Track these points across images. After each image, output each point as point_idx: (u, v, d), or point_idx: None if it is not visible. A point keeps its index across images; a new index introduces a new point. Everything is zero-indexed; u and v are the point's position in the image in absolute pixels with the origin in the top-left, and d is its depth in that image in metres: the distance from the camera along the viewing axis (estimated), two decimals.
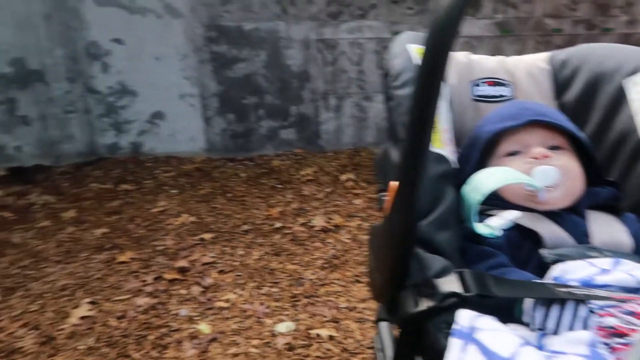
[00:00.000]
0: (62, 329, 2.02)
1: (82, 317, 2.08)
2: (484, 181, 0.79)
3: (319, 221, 2.83)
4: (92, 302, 2.18)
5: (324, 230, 2.76)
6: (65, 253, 2.58)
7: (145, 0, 3.33)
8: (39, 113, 3.50)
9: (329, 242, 2.65)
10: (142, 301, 2.18)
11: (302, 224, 2.82)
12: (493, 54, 1.14)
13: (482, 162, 0.92)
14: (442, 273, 0.66)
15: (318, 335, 1.96)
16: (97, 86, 3.51)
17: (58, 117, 3.53)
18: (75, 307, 2.15)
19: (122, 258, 2.51)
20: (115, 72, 3.48)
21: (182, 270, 2.39)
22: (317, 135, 3.81)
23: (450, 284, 0.62)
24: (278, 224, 2.82)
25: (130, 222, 2.88)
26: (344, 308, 2.13)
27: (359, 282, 2.31)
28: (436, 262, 0.70)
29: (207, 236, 2.70)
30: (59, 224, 2.87)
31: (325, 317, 2.07)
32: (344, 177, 3.40)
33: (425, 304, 0.61)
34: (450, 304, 0.60)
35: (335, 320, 2.05)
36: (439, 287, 0.62)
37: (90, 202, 3.12)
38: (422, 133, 0.55)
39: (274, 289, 2.26)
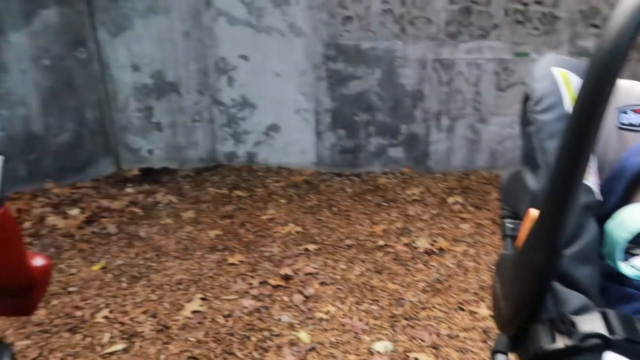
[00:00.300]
0: (176, 320, 2.19)
1: (194, 312, 2.24)
2: (633, 218, 0.73)
3: (423, 243, 2.78)
4: (203, 298, 2.34)
5: (428, 252, 2.70)
6: (183, 250, 2.80)
7: (271, 20, 3.54)
8: (170, 121, 3.86)
9: (433, 265, 2.58)
10: (248, 303, 2.29)
11: (406, 244, 2.79)
12: (632, 79, 1.05)
13: (627, 196, 0.85)
14: (582, 310, 0.62)
15: (416, 359, 1.92)
16: (222, 98, 3.78)
17: (186, 125, 3.87)
18: (189, 301, 2.32)
19: (232, 260, 2.66)
20: (238, 86, 3.73)
21: (286, 278, 2.48)
22: (426, 156, 3.75)
23: (592, 323, 0.58)
24: (381, 242, 2.81)
25: (241, 227, 3.05)
26: (445, 335, 2.06)
27: (462, 309, 2.22)
28: (575, 298, 0.66)
29: (311, 247, 2.77)
30: (179, 222, 3.12)
31: (424, 341, 2.02)
32: (451, 199, 3.31)
33: (562, 342, 0.58)
34: (592, 345, 0.56)
35: (434, 347, 1.99)
36: (579, 326, 0.58)
37: (207, 205, 3.35)
38: (579, 162, 0.53)
39: (373, 307, 2.26)
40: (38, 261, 1.63)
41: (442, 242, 2.78)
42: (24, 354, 1.97)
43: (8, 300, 1.56)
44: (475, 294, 2.33)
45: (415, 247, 2.75)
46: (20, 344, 2.03)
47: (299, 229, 2.99)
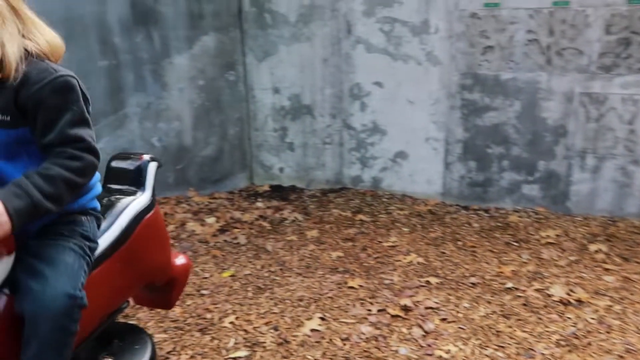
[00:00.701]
0: (295, 336, 2.24)
1: (313, 330, 2.28)
2: None
3: (558, 291, 2.54)
4: (322, 318, 2.37)
5: (564, 302, 2.46)
6: (305, 268, 2.88)
7: (409, 48, 3.56)
8: (302, 141, 4.03)
9: (569, 318, 2.35)
10: (366, 329, 2.28)
11: (538, 290, 2.58)
12: None
13: None
14: None
15: None
16: (353, 123, 3.87)
17: (317, 146, 4.01)
18: (309, 318, 2.36)
19: (352, 283, 2.68)
20: (370, 112, 3.79)
21: (406, 309, 2.42)
22: (566, 196, 3.46)
23: None
24: (510, 284, 2.63)
25: (363, 251, 3.05)
26: None
27: None
28: None
29: (433, 280, 2.69)
30: (303, 240, 3.22)
31: None
32: (593, 247, 3.00)
33: None
34: None
35: None
36: None
37: (330, 226, 3.42)
38: None
39: (499, 353, 2.11)
40: (180, 260, 1.79)
41: (580, 293, 2.53)
42: (160, 346, 2.16)
43: (153, 293, 1.73)
44: (621, 357, 2.07)
45: (549, 295, 2.53)
46: (158, 336, 2.23)
47: (421, 259, 2.92)
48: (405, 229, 3.35)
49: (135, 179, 1.58)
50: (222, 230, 3.35)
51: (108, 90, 3.39)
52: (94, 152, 1.15)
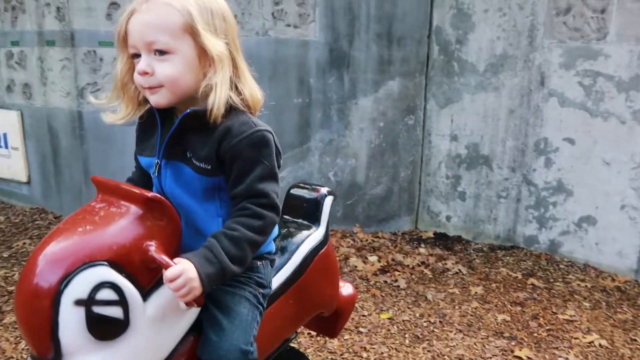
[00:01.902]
0: None
1: None
2: None
3: None
4: None
5: None
6: (467, 325, 2.72)
7: (612, 105, 3.24)
8: (475, 192, 3.88)
9: None
10: None
11: None
12: None
13: None
14: None
15: None
16: (534, 179, 3.61)
17: (490, 199, 3.82)
18: None
19: (519, 353, 2.45)
20: (556, 169, 3.50)
21: None
22: None
23: None
24: None
25: (533, 320, 2.79)
26: None
27: None
28: None
29: None
30: (466, 295, 3.06)
31: None
32: None
33: None
34: None
35: None
36: None
37: (497, 285, 3.20)
38: None
39: None
40: (347, 289, 1.82)
41: None
42: None
43: (320, 320, 1.79)
44: None
45: None
46: None
47: (604, 342, 2.56)
48: (586, 304, 2.98)
49: (311, 212, 1.62)
50: (383, 271, 3.35)
51: (297, 125, 3.70)
52: (275, 209, 1.17)
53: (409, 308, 2.88)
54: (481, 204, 3.86)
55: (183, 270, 1.02)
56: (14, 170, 3.81)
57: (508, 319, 2.79)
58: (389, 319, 2.76)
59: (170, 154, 1.18)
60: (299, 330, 2.41)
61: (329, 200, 1.65)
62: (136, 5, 1.11)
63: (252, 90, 1.17)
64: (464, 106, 3.81)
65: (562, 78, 3.40)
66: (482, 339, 2.58)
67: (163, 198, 1.08)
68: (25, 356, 2.22)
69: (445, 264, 3.51)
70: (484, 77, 3.70)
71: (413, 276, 3.30)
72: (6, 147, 3.81)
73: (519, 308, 2.92)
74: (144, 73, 1.10)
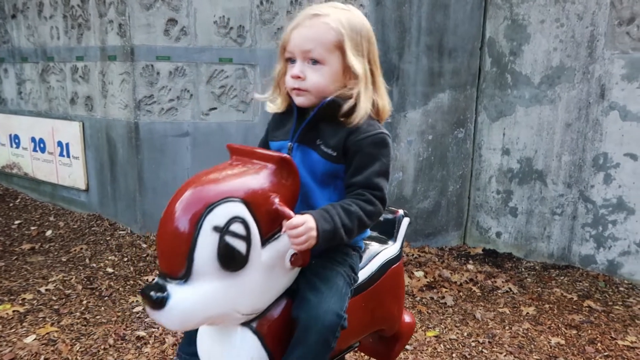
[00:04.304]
0: None
1: None
2: None
3: None
4: None
5: None
6: (518, 347, 2.62)
7: None
8: (527, 208, 3.75)
9: None
10: None
11: None
12: None
13: None
14: None
15: None
16: (592, 196, 3.45)
17: (544, 216, 3.68)
18: None
19: None
20: (616, 186, 3.33)
21: None
22: None
23: None
24: None
25: (590, 345, 2.64)
26: None
27: None
28: None
29: None
30: (517, 315, 2.95)
31: None
32: None
33: None
34: None
35: None
36: None
37: (550, 306, 3.06)
38: None
39: None
40: (407, 317, 1.80)
41: None
42: None
43: (378, 344, 1.77)
44: None
45: None
46: None
47: None
48: None
49: (388, 230, 1.69)
50: (429, 287, 3.28)
51: None
52: (384, 203, 1.30)
53: (456, 326, 2.80)
54: (534, 220, 3.72)
55: (305, 220, 1.15)
56: (74, 178, 4.01)
57: (562, 342, 2.66)
58: (435, 336, 2.69)
59: (304, 139, 1.33)
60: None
61: (405, 222, 1.72)
62: (300, 21, 1.31)
63: (385, 103, 1.36)
64: (517, 119, 3.70)
65: (624, 90, 3.25)
66: None
67: (292, 160, 1.22)
68: (79, 358, 2.32)
69: (495, 281, 3.40)
70: (539, 89, 3.58)
71: (461, 293, 3.22)
72: (68, 156, 4.02)
73: (574, 331, 2.78)
74: (297, 77, 1.29)
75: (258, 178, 1.19)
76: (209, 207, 1.08)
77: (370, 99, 1.30)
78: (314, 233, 1.15)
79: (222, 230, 1.08)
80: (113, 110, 3.56)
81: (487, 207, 3.95)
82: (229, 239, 1.08)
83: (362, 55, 1.30)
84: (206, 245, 1.07)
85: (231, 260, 1.10)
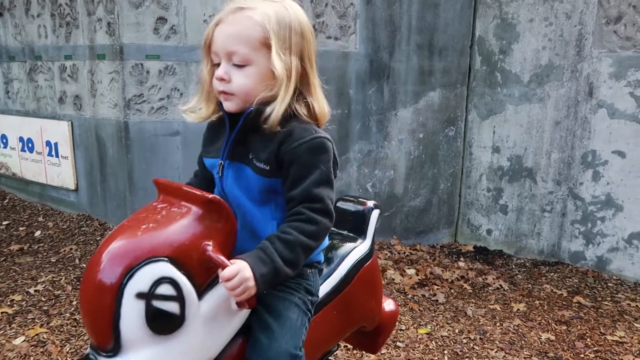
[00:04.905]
0: None
1: None
2: None
3: None
4: None
5: None
6: (509, 343, 2.63)
7: None
8: (517, 205, 3.78)
9: None
10: None
11: None
12: None
13: None
14: None
15: None
16: (581, 193, 3.49)
17: (533, 213, 3.71)
18: None
19: None
20: (605, 183, 3.37)
21: None
22: None
23: None
24: None
25: (580, 340, 2.67)
26: None
27: None
28: None
29: None
30: (508, 312, 2.97)
31: None
32: None
33: None
34: None
35: None
36: None
37: (541, 303, 3.09)
38: None
39: None
40: (389, 305, 1.79)
41: None
42: None
43: (361, 335, 1.77)
44: None
45: None
46: None
47: None
48: (638, 325, 2.84)
49: (358, 225, 1.62)
50: (421, 284, 3.30)
51: (336, 136, 3.71)
52: (329, 215, 1.18)
53: (448, 323, 2.82)
54: (524, 217, 3.75)
55: (239, 270, 1.05)
56: (63, 178, 3.97)
57: (553, 338, 2.69)
58: (427, 334, 2.70)
59: (234, 155, 1.22)
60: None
61: (375, 214, 1.64)
62: (223, 16, 1.18)
63: (321, 105, 1.23)
64: (507, 117, 3.72)
65: (612, 89, 3.28)
66: (524, 358, 2.50)
67: (222, 200, 1.12)
68: (70, 359, 2.30)
69: (486, 279, 3.42)
70: (528, 87, 3.61)
71: (452, 290, 3.23)
72: (57, 155, 3.98)
73: (564, 327, 2.81)
74: (221, 79, 1.17)
75: (186, 226, 1.08)
76: (129, 273, 0.99)
77: (288, 100, 1.16)
78: (251, 283, 1.06)
79: (148, 296, 0.99)
80: (102, 110, 3.53)
81: (477, 205, 3.97)
82: (157, 304, 1.00)
83: (291, 53, 1.17)
84: (131, 314, 0.99)
85: (164, 324, 1.02)
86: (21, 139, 4.30)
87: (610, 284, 3.35)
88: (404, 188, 3.91)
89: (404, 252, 3.79)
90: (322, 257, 1.39)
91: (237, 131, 1.20)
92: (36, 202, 4.32)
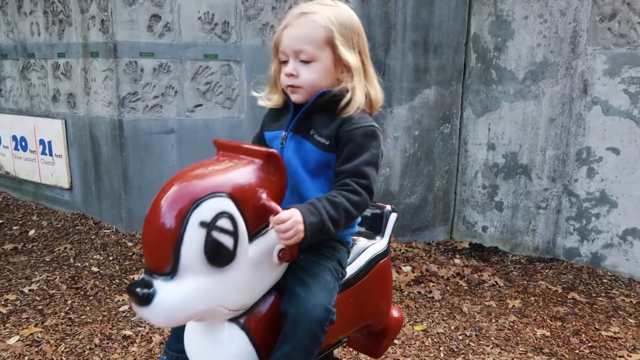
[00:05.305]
0: None
1: None
2: None
3: None
4: None
5: None
6: (504, 339, 2.64)
7: None
8: (513, 202, 3.79)
9: None
10: None
11: None
12: None
13: None
14: None
15: None
16: (576, 189, 3.50)
17: (529, 210, 3.72)
18: None
19: None
20: (599, 180, 3.38)
21: None
22: None
23: None
24: None
25: (575, 336, 2.68)
26: None
27: None
28: None
29: None
30: (503, 309, 2.98)
31: None
32: None
33: None
34: None
35: None
36: None
37: (536, 299, 3.10)
38: None
39: None
40: (395, 312, 1.80)
41: None
42: None
43: (366, 339, 1.77)
44: None
45: None
46: None
47: None
48: (632, 321, 2.85)
49: (376, 225, 1.68)
50: (416, 281, 3.30)
51: None
52: (371, 192, 1.30)
53: (443, 320, 2.83)
54: (519, 214, 3.76)
55: (292, 214, 1.15)
56: (57, 176, 3.95)
57: (548, 334, 2.70)
58: (423, 330, 2.71)
59: (298, 129, 1.36)
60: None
61: (393, 217, 1.71)
62: (290, 21, 1.34)
63: (377, 92, 1.39)
64: (502, 115, 3.73)
65: (607, 85, 3.29)
66: (520, 354, 2.51)
67: (279, 155, 1.22)
68: (64, 358, 2.29)
69: (481, 275, 3.43)
70: (523, 84, 3.62)
71: (448, 287, 3.24)
72: (50, 154, 3.96)
73: (559, 323, 2.82)
74: (290, 75, 1.33)
75: (245, 173, 1.18)
76: (195, 203, 1.07)
77: (364, 90, 1.33)
78: (301, 227, 1.15)
79: (209, 226, 1.07)
80: (96, 108, 3.51)
81: (473, 202, 3.98)
82: (216, 235, 1.08)
83: (353, 48, 1.33)
84: (193, 240, 1.06)
85: (218, 255, 1.09)
86: (14, 138, 4.27)
87: (604, 280, 3.36)
88: (400, 185, 3.91)
89: (400, 250, 3.79)
90: (350, 240, 1.48)
91: (306, 109, 1.34)
92: (30, 201, 4.30)
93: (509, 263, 3.70)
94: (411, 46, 3.69)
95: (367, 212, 1.69)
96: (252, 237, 1.16)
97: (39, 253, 3.40)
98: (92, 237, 3.53)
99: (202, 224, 1.07)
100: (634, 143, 3.22)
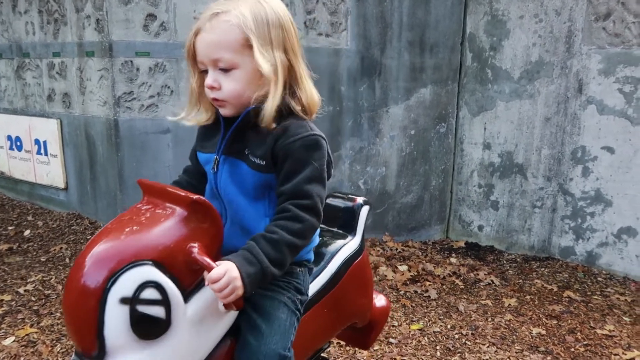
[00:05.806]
0: None
1: None
2: None
3: None
4: None
5: None
6: (500, 338, 2.65)
7: None
8: (508, 201, 3.80)
9: None
10: None
11: None
12: None
13: None
14: None
15: None
16: (571, 188, 3.52)
17: (524, 209, 3.74)
18: None
19: None
20: (594, 179, 3.40)
21: None
22: None
23: None
24: None
25: (570, 334, 2.70)
26: None
27: None
28: None
29: None
30: (499, 307, 2.99)
31: None
32: None
33: None
34: None
35: None
36: None
37: (531, 298, 3.11)
38: None
39: None
40: (380, 301, 1.79)
41: None
42: None
43: (353, 332, 1.77)
44: None
45: None
46: None
47: None
48: (627, 319, 2.87)
49: (347, 221, 1.60)
50: (413, 280, 3.31)
51: (328, 133, 3.70)
52: (316, 213, 1.17)
53: (440, 319, 2.83)
54: (515, 213, 3.78)
55: (226, 271, 1.04)
56: (53, 176, 3.93)
57: (543, 332, 2.71)
58: (419, 330, 2.71)
59: (230, 150, 1.22)
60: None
61: (365, 210, 1.63)
62: (201, 25, 1.17)
63: (310, 95, 1.21)
64: (498, 114, 3.74)
65: (601, 85, 3.31)
66: (516, 352, 2.52)
67: (207, 201, 1.09)
68: (60, 359, 2.28)
69: (477, 274, 3.44)
70: (518, 84, 3.63)
71: (444, 286, 3.25)
72: (46, 154, 3.94)
73: (554, 322, 2.83)
74: (212, 87, 1.17)
75: (171, 228, 1.06)
76: (112, 278, 0.97)
77: (279, 98, 1.16)
78: (238, 282, 1.04)
79: (132, 301, 0.98)
80: (92, 107, 3.50)
81: (469, 201, 3.99)
82: (142, 308, 0.98)
83: (273, 48, 1.16)
84: (115, 320, 0.97)
85: (149, 329, 1.00)
86: (9, 137, 4.25)
87: (599, 279, 3.38)
88: (396, 185, 3.91)
89: (396, 249, 3.80)
90: (312, 256, 1.37)
91: (234, 128, 1.19)
92: (25, 201, 4.28)
93: (504, 262, 3.71)
94: (407, 45, 3.70)
95: (340, 204, 1.63)
96: (188, 295, 1.07)
97: (35, 253, 3.38)
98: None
99: (123, 301, 0.97)
100: (629, 142, 3.24)
